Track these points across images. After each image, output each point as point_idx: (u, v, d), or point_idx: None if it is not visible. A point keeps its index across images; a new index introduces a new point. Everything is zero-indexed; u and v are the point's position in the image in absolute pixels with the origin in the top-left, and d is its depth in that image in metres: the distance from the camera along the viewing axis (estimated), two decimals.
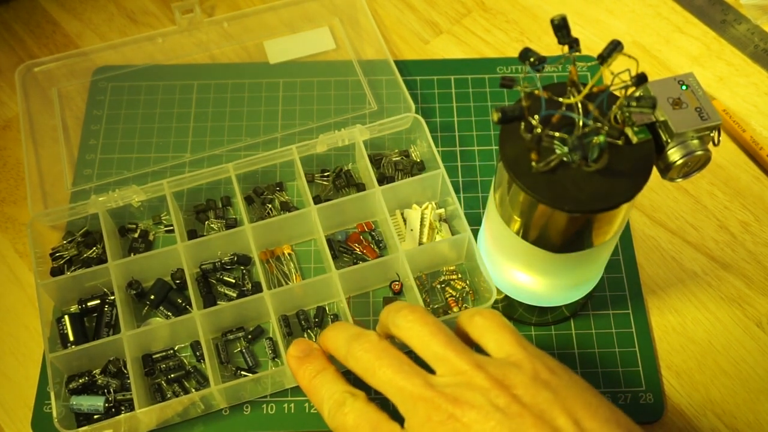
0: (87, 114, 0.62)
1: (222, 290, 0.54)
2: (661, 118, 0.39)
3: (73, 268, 0.54)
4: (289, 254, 0.55)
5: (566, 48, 0.38)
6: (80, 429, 0.46)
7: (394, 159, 0.59)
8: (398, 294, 0.54)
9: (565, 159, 0.38)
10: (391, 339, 0.42)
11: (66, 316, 0.52)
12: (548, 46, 0.66)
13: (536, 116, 0.38)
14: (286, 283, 0.54)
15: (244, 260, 0.55)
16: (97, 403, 0.49)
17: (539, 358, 0.37)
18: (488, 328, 0.39)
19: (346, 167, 0.59)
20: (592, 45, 0.66)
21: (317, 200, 0.56)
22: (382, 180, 0.58)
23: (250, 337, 0.52)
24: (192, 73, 0.65)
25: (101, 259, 0.54)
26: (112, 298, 0.53)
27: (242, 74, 0.64)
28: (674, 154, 0.39)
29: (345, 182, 0.58)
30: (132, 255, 0.54)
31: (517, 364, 0.36)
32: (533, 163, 0.38)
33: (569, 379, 0.36)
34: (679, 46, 0.66)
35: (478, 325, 0.39)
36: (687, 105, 0.39)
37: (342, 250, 0.55)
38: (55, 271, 0.54)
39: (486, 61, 0.65)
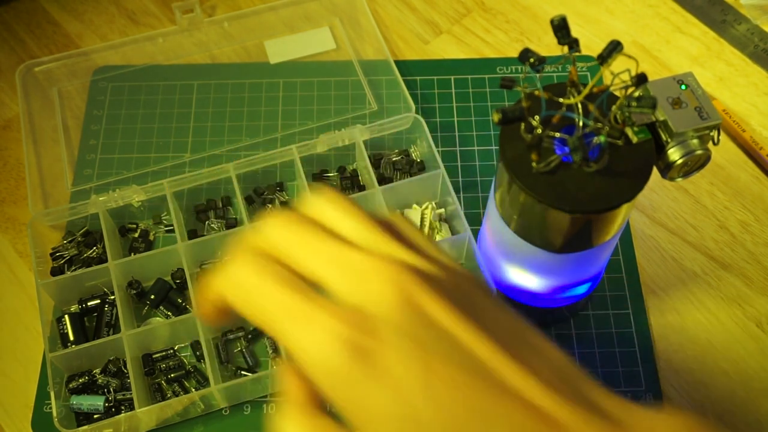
0: (87, 114, 0.62)
1: None
2: (661, 118, 0.39)
3: (73, 268, 0.54)
4: None
5: (566, 48, 0.38)
6: (80, 428, 0.46)
7: (394, 159, 0.59)
8: None
9: (564, 159, 0.38)
10: None
11: (66, 316, 0.52)
12: (548, 46, 0.66)
13: (536, 117, 0.38)
14: None
15: None
16: (97, 402, 0.49)
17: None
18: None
19: (351, 167, 0.59)
20: (592, 45, 0.66)
21: None
22: (382, 180, 0.58)
23: (250, 336, 0.52)
24: (192, 73, 0.65)
25: (101, 259, 0.54)
26: (112, 297, 0.53)
27: (242, 74, 0.64)
28: (674, 154, 0.39)
29: (350, 183, 0.58)
30: (132, 255, 0.54)
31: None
32: (533, 164, 0.38)
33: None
34: (679, 46, 0.66)
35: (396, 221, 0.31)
36: (687, 105, 0.39)
37: None
38: (55, 271, 0.54)
39: (486, 61, 0.65)
